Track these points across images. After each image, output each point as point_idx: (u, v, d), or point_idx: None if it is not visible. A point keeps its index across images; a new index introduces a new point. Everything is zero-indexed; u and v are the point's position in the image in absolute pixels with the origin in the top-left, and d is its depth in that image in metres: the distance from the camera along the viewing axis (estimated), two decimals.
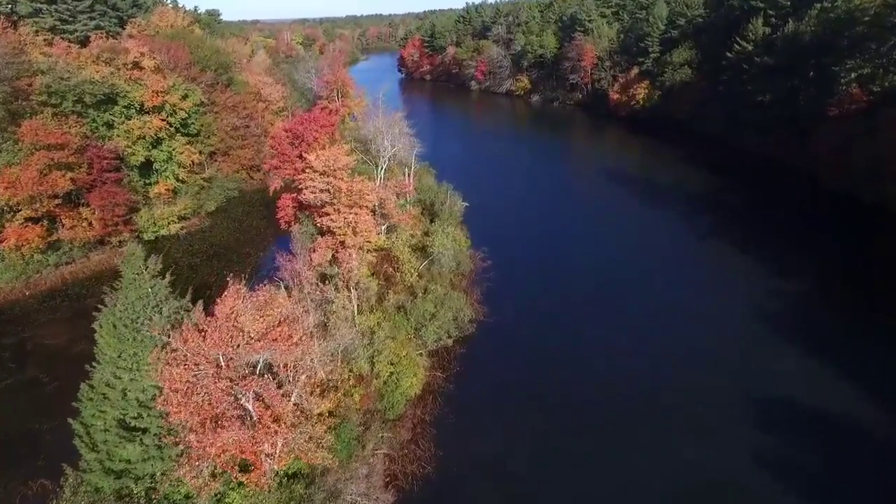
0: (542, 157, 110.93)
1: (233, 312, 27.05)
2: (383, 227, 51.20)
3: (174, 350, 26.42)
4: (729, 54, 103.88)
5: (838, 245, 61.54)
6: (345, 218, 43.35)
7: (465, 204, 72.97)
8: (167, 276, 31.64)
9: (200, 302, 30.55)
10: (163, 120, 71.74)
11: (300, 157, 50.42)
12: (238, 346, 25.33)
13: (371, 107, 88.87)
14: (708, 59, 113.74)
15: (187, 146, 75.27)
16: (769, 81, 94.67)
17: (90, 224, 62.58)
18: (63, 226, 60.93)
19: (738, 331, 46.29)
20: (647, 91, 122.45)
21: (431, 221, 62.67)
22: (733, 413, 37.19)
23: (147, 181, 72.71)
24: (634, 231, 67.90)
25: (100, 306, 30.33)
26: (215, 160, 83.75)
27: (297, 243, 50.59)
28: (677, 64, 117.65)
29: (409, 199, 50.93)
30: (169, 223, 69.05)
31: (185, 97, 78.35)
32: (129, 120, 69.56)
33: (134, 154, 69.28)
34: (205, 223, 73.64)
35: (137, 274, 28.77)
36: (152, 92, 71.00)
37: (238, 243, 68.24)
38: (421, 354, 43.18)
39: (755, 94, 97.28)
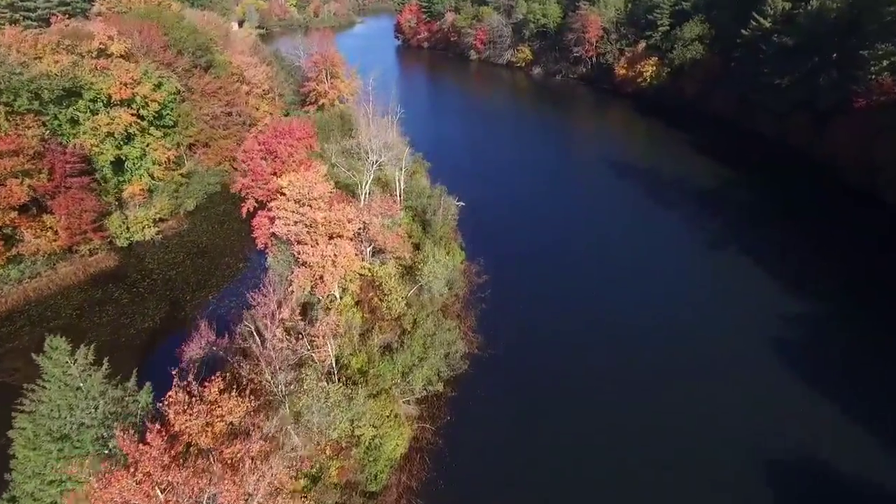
0: (542, 141, 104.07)
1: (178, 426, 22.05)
2: (368, 249, 46.01)
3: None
4: (744, 31, 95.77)
5: (861, 255, 56.36)
6: (322, 252, 38.12)
7: (460, 204, 67.62)
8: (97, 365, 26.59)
9: (149, 386, 25.78)
10: (133, 114, 65.29)
11: (275, 174, 44.78)
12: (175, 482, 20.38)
13: (362, 93, 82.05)
14: (721, 35, 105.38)
15: (162, 142, 68.98)
16: (787, 63, 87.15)
17: (56, 233, 57.29)
18: (24, 238, 55.63)
19: (752, 365, 41.68)
20: (655, 68, 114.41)
21: (423, 229, 57.41)
22: (756, 473, 32.96)
23: (120, 178, 66.82)
24: (640, 238, 62.31)
25: (17, 408, 25.35)
26: (195, 152, 77.52)
27: (273, 271, 45.70)
28: (688, 39, 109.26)
29: (396, 220, 45.67)
30: (144, 228, 63.64)
31: (158, 86, 71.56)
32: (96, 115, 63.23)
33: (102, 153, 63.24)
34: (183, 225, 68.17)
35: (63, 370, 23.76)
36: (120, 84, 64.33)
37: (217, 250, 62.99)
38: (408, 402, 38.78)
39: (771, 75, 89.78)
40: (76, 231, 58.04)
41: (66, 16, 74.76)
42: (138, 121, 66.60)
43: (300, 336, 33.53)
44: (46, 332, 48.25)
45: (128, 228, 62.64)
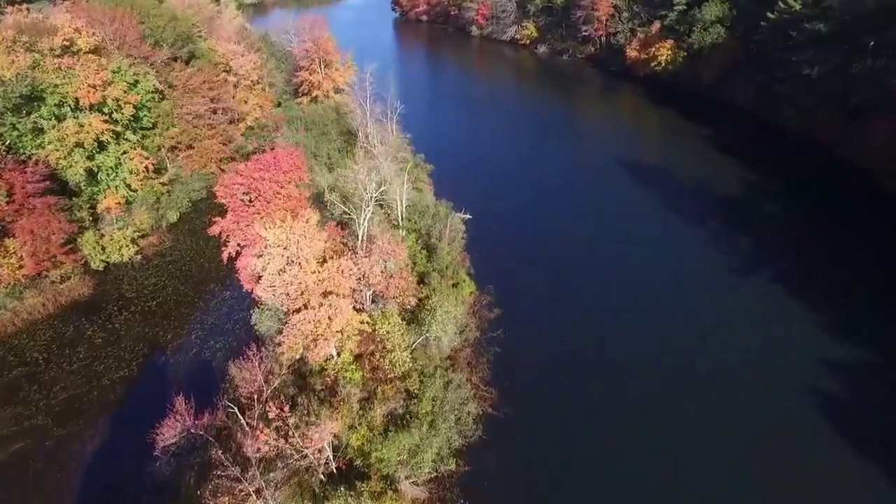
0: (548, 133, 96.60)
1: None
2: (368, 295, 40.13)
3: None
4: (770, 15, 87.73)
5: None
6: (315, 314, 32.29)
7: (467, 217, 61.49)
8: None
9: None
10: (106, 120, 58.19)
11: (259, 213, 38.50)
12: None
13: (358, 88, 74.63)
14: (744, 17, 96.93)
15: (139, 150, 61.96)
16: (819, 52, 79.62)
17: (20, 260, 51.15)
18: None
19: (799, 437, 36.49)
20: (670, 52, 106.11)
21: (428, 255, 51.40)
22: None
23: (94, 189, 60.16)
24: (661, 261, 56.00)
25: None
26: (177, 155, 70.54)
27: (260, 327, 40.00)
28: (707, 21, 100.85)
29: (397, 264, 39.65)
30: (121, 248, 57.44)
31: (133, 85, 64.21)
32: (62, 122, 56.22)
33: (71, 166, 56.54)
34: (165, 242, 61.90)
35: None
36: (89, 86, 57.06)
37: (202, 272, 56.96)
38: (415, 483, 33.68)
39: (799, 64, 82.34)
40: (44, 256, 51.93)
41: (25, 5, 66.52)
42: (111, 126, 59.54)
43: (290, 433, 28.05)
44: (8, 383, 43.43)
45: (103, 249, 56.46)
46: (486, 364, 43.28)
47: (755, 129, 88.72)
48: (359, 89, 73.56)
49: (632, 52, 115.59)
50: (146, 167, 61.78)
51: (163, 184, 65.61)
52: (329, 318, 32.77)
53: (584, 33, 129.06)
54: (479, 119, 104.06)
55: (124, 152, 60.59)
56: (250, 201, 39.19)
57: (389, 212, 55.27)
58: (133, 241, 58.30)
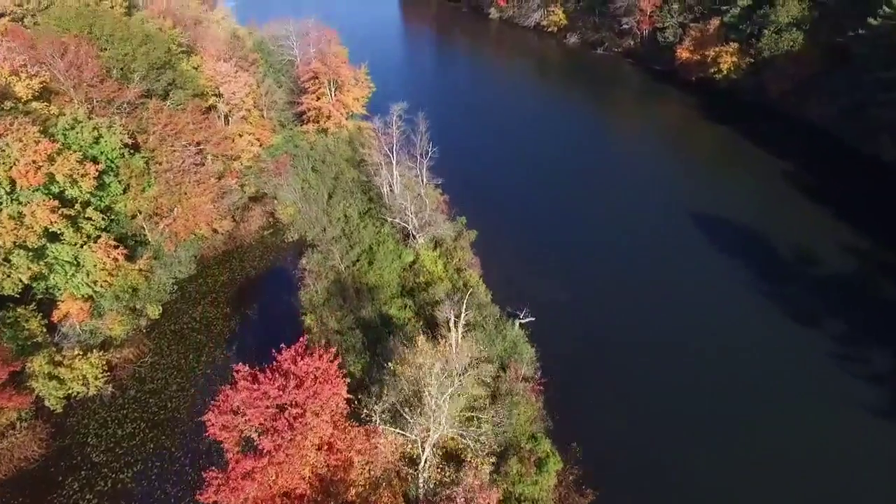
0: (574, 149, 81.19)
1: None
2: None
3: None
4: (872, 21, 70.98)
5: None
6: None
7: (530, 320, 46.85)
8: None
9: None
10: (55, 210, 42.52)
11: (279, 468, 24.13)
12: None
13: (381, 129, 58.30)
14: (830, 21, 79.92)
15: (106, 236, 46.39)
16: None
17: None
18: None
19: None
20: (734, 60, 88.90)
21: (492, 400, 37.40)
22: None
23: (47, 284, 45.16)
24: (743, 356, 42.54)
25: None
26: (157, 223, 55.00)
27: None
28: (781, 24, 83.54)
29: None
30: (86, 376, 43.00)
31: (94, 143, 48.25)
32: None
33: (8, 276, 41.46)
34: (145, 355, 47.15)
35: None
36: (26, 165, 41.21)
37: (192, 404, 42.68)
38: None
39: None
40: None
41: None
42: (66, 211, 44.03)
43: None
44: None
45: (61, 381, 42.06)
46: None
47: (840, 158, 73.37)
48: (382, 132, 57.35)
49: (683, 52, 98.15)
50: (116, 257, 46.47)
51: (140, 270, 50.46)
52: None
53: (623, 25, 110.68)
54: (493, 126, 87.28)
55: (85, 241, 45.21)
56: (262, 453, 24.63)
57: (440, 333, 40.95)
58: (102, 365, 43.70)
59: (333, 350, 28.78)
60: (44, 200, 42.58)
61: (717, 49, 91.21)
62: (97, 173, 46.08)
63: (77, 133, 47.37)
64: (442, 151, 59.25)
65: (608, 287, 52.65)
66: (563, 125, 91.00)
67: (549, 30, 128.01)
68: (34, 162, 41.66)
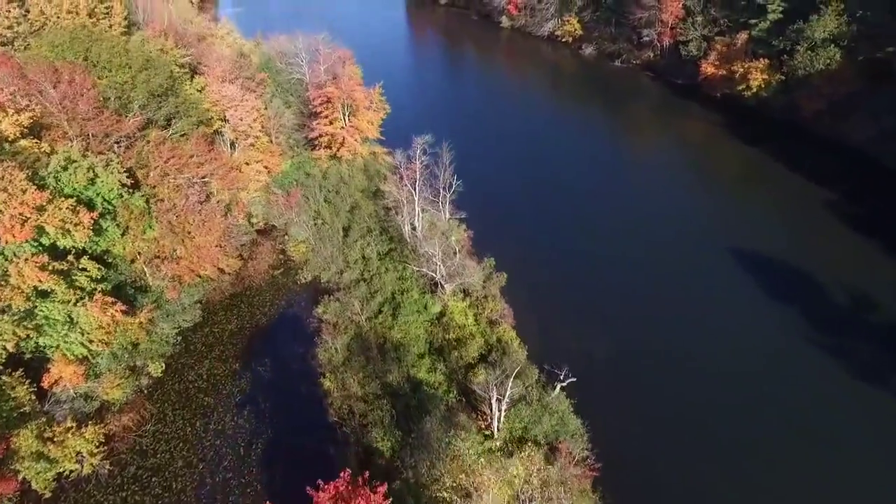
0: (595, 170, 76.94)
1: None
2: None
3: None
4: None
5: None
6: None
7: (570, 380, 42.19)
8: None
9: None
10: (44, 267, 37.54)
11: None
12: None
13: (403, 163, 53.38)
14: (870, 36, 75.11)
15: (101, 291, 41.36)
16: None
17: None
18: None
19: None
20: (765, 77, 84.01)
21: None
22: None
23: (36, 343, 40.19)
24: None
25: None
26: (158, 267, 49.95)
27: None
28: (817, 39, 78.69)
29: None
30: (78, 453, 38.07)
31: (89, 184, 43.29)
32: None
33: None
34: (145, 420, 42.11)
35: None
36: (12, 219, 36.20)
37: (199, 484, 37.72)
38: None
39: None
40: None
41: None
42: (57, 265, 39.03)
43: None
44: None
45: (50, 461, 37.12)
46: None
47: (882, 183, 68.50)
48: (404, 166, 52.33)
49: (708, 67, 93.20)
50: (114, 314, 41.46)
51: (141, 323, 45.46)
52: None
53: (644, 38, 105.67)
54: (509, 150, 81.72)
55: (79, 298, 40.20)
56: None
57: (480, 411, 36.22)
58: (97, 438, 38.74)
59: (383, 490, 23.72)
60: (32, 256, 37.64)
61: (745, 65, 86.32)
62: (93, 221, 41.10)
63: (70, 175, 42.38)
64: (457, 175, 54.53)
65: (648, 332, 47.75)
66: (582, 143, 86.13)
67: (564, 40, 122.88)
68: (21, 214, 36.67)
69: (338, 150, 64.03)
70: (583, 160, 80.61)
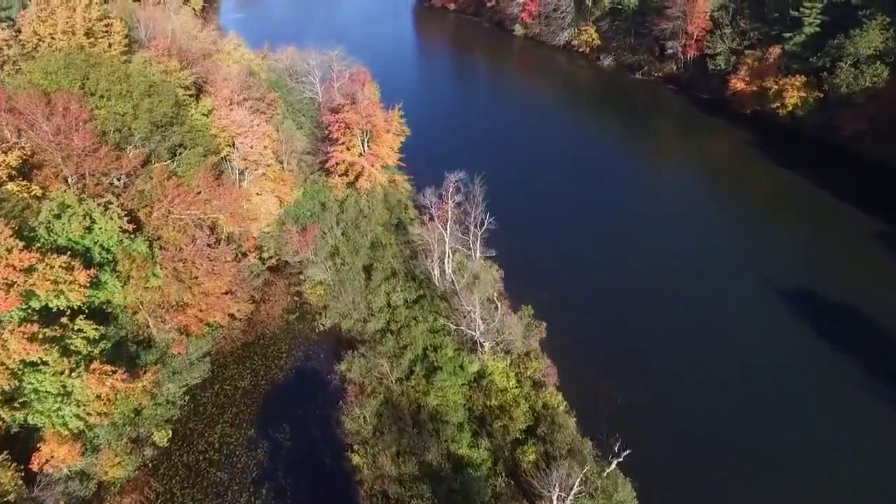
0: (620, 192, 72.14)
1: None
2: None
3: None
4: None
5: None
6: None
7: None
8: None
9: None
10: (33, 338, 32.36)
11: None
12: None
13: (431, 197, 48.26)
14: None
15: (99, 359, 36.16)
16: None
17: None
18: None
19: None
20: (802, 95, 78.99)
21: None
22: None
23: (24, 413, 34.96)
24: None
25: None
26: (163, 319, 44.76)
27: None
28: (861, 56, 73.75)
29: None
30: None
31: (86, 232, 38.15)
32: None
33: None
34: (150, 503, 37.31)
35: None
36: None
37: None
38: None
39: None
40: None
41: None
42: (48, 331, 33.85)
43: None
44: None
45: None
46: None
47: None
48: (435, 206, 47.22)
49: (737, 83, 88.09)
50: (114, 384, 36.27)
51: (144, 387, 40.24)
52: None
53: (668, 50, 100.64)
54: (528, 172, 76.28)
55: (74, 367, 35.00)
56: None
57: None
58: None
59: None
60: (19, 324, 32.43)
61: (780, 81, 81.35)
62: (89, 279, 35.93)
63: (65, 224, 37.21)
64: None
65: (701, 385, 43.09)
66: (606, 163, 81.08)
67: (581, 50, 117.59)
68: (5, 279, 31.49)
69: (358, 182, 58.78)
70: (608, 181, 75.61)
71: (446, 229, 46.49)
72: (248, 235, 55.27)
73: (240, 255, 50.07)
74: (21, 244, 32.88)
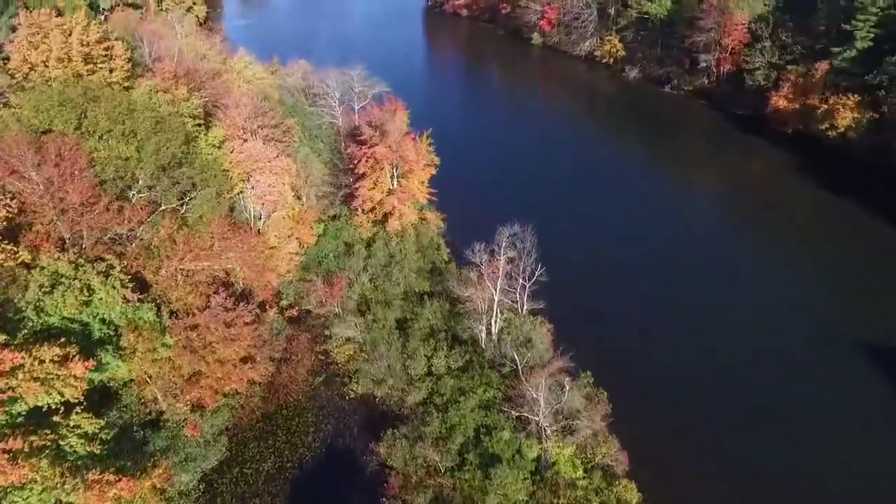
0: (654, 220, 65.78)
1: None
2: None
3: None
4: None
5: None
6: None
7: None
8: None
9: None
10: (15, 456, 26.14)
11: None
12: None
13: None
14: None
15: (98, 468, 29.97)
16: None
17: None
18: None
19: None
20: (856, 115, 72.88)
21: None
22: None
23: None
24: None
25: None
26: (174, 395, 38.53)
27: None
28: None
29: None
30: None
31: (84, 305, 31.94)
32: None
33: None
34: None
35: None
36: None
37: None
38: None
39: None
40: None
41: None
42: (35, 438, 27.64)
43: None
44: None
45: None
46: None
47: None
48: (485, 264, 40.96)
49: (779, 101, 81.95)
50: (119, 494, 30.16)
51: (154, 486, 34.06)
52: None
53: (701, 63, 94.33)
54: (553, 199, 69.43)
55: (69, 478, 28.78)
56: None
57: None
58: None
59: None
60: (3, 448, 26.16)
61: (831, 100, 75.25)
62: (87, 371, 29.67)
63: (58, 300, 30.94)
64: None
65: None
66: (640, 186, 74.68)
67: (604, 61, 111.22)
68: None
69: (385, 220, 52.53)
70: (644, 207, 69.23)
71: (496, 287, 40.32)
72: (266, 284, 49.04)
73: (258, 312, 43.68)
74: (2, 338, 26.63)
